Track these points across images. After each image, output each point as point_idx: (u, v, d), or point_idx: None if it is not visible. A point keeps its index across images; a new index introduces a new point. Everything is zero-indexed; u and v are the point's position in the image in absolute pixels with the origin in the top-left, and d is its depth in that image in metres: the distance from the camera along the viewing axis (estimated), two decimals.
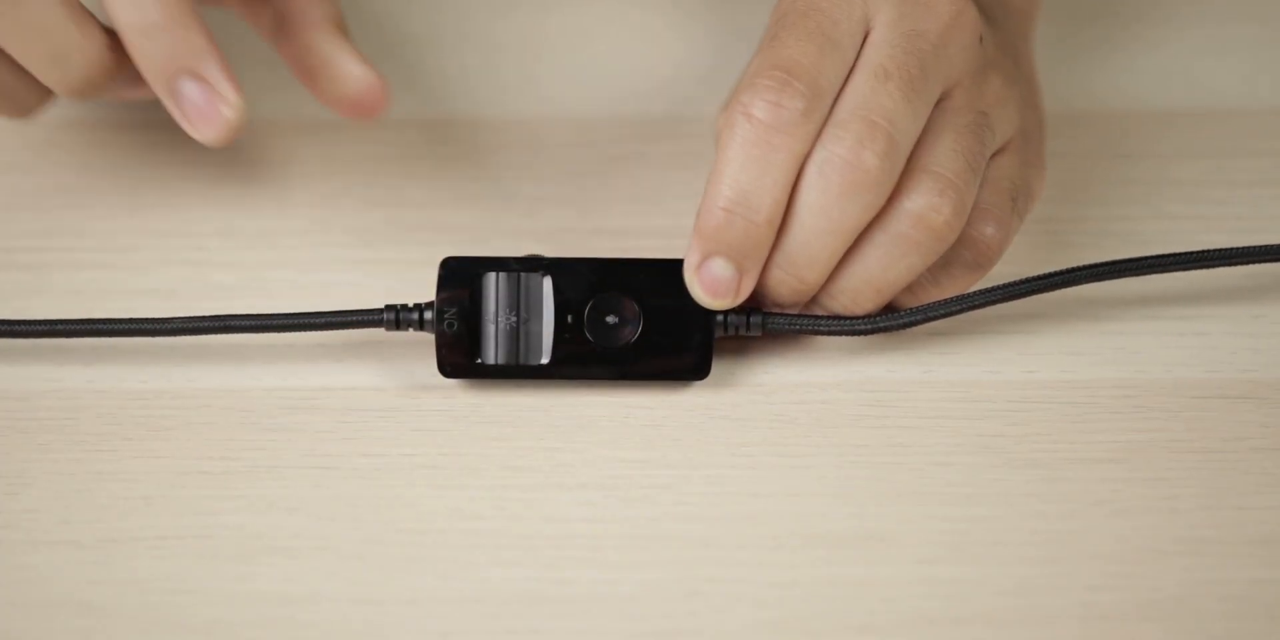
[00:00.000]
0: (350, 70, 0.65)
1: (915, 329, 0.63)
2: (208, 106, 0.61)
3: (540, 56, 0.78)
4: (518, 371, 0.62)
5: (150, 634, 0.56)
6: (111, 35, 0.62)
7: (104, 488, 0.60)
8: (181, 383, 0.64)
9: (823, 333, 0.62)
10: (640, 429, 0.62)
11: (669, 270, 0.62)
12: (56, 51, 0.61)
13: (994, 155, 0.63)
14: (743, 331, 0.62)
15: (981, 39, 0.62)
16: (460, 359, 0.62)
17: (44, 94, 0.65)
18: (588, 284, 0.62)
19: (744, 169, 0.59)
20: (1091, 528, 0.59)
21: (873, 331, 0.62)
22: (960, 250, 0.62)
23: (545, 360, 0.62)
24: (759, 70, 0.59)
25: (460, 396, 0.63)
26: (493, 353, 0.62)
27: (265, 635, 0.56)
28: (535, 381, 0.63)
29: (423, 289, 0.65)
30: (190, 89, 0.60)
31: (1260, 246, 0.64)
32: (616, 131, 0.74)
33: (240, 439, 0.62)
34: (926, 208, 0.60)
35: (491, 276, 0.62)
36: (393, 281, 0.67)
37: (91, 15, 0.62)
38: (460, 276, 0.62)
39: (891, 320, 0.62)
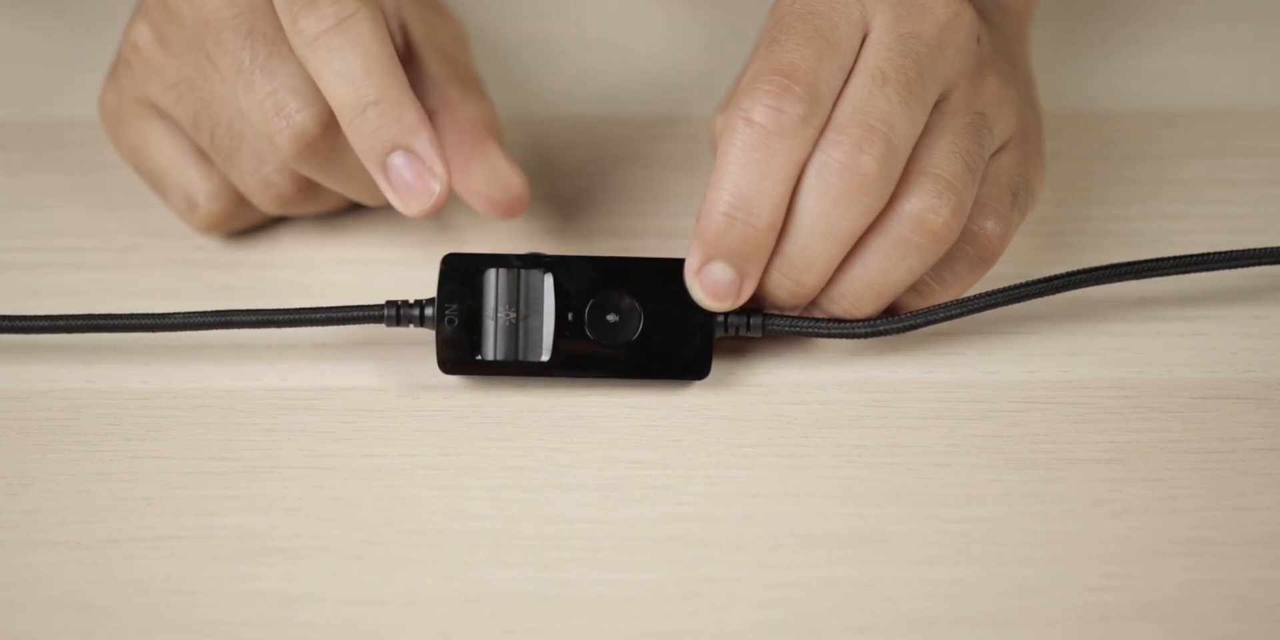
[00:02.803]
0: (496, 169, 0.66)
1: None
2: (416, 181, 0.61)
3: (540, 56, 0.78)
4: (517, 368, 0.62)
5: (150, 634, 0.56)
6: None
7: (104, 488, 0.60)
8: (182, 383, 0.64)
9: (822, 335, 0.62)
10: (640, 429, 0.62)
11: (670, 269, 0.62)
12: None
13: (994, 154, 0.63)
14: (743, 332, 0.62)
15: (978, 40, 0.62)
16: (460, 356, 0.62)
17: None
18: (589, 282, 0.62)
19: (744, 174, 0.59)
20: (1091, 528, 0.59)
21: (872, 335, 0.62)
22: (962, 246, 0.62)
23: (545, 358, 0.62)
24: (758, 74, 0.59)
25: (460, 397, 0.63)
26: (493, 349, 0.62)
27: (265, 635, 0.56)
28: (535, 380, 0.63)
29: (423, 290, 0.65)
30: (400, 163, 0.61)
31: (1260, 249, 0.64)
32: (616, 131, 0.74)
33: (240, 439, 0.62)
34: (925, 210, 0.60)
35: (493, 273, 0.62)
36: (393, 281, 0.67)
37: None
38: (461, 273, 0.62)
39: (891, 324, 0.62)
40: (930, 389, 0.63)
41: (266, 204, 0.66)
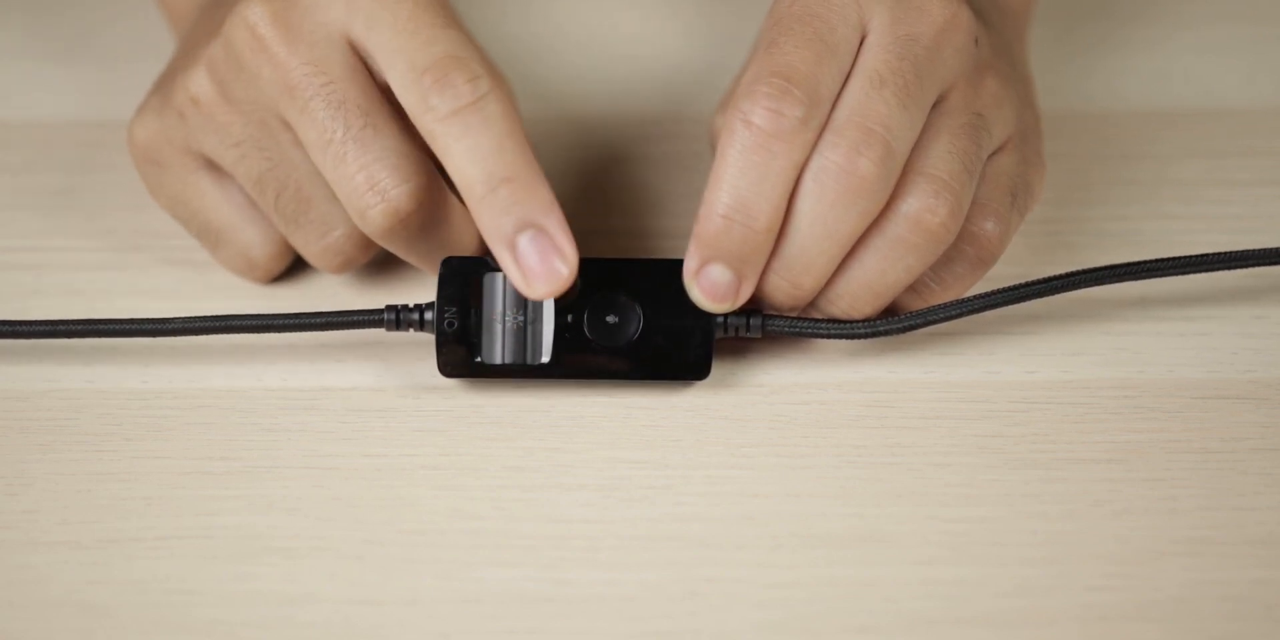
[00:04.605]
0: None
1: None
2: (543, 262, 0.59)
3: (540, 56, 0.78)
4: (518, 371, 0.62)
5: (150, 634, 0.56)
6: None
7: (104, 488, 0.60)
8: (182, 383, 0.64)
9: (822, 336, 0.62)
10: (640, 429, 0.62)
11: (669, 270, 0.62)
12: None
13: (993, 154, 0.63)
14: (742, 333, 0.62)
15: (976, 41, 0.62)
16: (460, 358, 0.62)
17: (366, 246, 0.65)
18: (588, 283, 0.62)
19: (743, 176, 0.59)
20: (1091, 528, 0.59)
21: (871, 335, 0.62)
22: (962, 247, 0.62)
23: (545, 360, 0.62)
24: (757, 77, 0.59)
25: (461, 397, 0.63)
26: (493, 352, 0.62)
27: (265, 635, 0.56)
28: (536, 381, 0.63)
29: (424, 291, 0.65)
30: (528, 244, 0.59)
31: (1258, 250, 0.64)
32: (616, 131, 0.74)
33: (240, 439, 0.62)
34: (922, 210, 0.60)
35: (492, 276, 0.62)
36: (394, 282, 0.67)
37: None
38: (461, 276, 0.62)
39: (890, 324, 0.62)
40: (930, 389, 0.63)
41: (329, 268, 0.65)
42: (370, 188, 0.60)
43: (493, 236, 0.60)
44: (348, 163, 0.60)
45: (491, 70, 0.60)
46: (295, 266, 0.68)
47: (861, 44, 0.61)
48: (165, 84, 0.65)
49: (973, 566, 0.58)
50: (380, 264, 0.68)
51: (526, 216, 0.59)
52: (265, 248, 0.66)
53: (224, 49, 0.62)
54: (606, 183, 0.72)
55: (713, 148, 0.63)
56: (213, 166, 0.65)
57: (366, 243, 0.64)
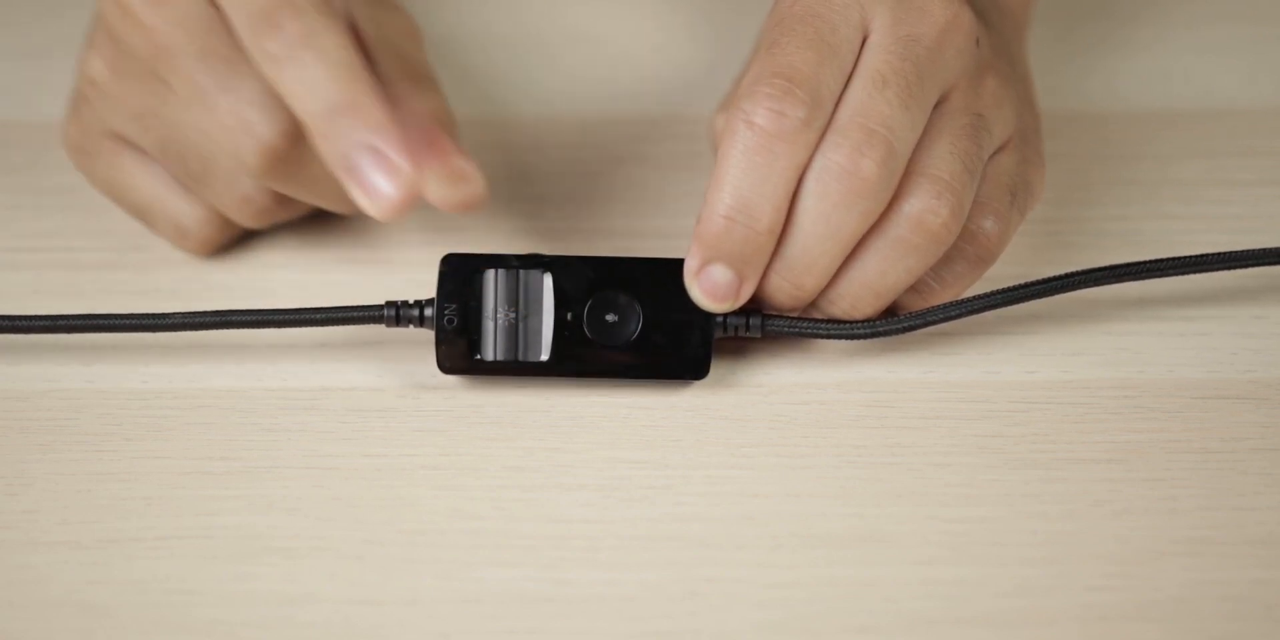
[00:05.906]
0: (450, 163, 0.63)
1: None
2: (382, 182, 0.60)
3: (540, 56, 0.78)
4: (517, 368, 0.62)
5: (150, 634, 0.56)
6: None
7: (104, 488, 0.60)
8: (182, 383, 0.64)
9: (822, 336, 0.62)
10: (640, 429, 0.62)
11: (669, 269, 0.62)
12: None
13: (993, 154, 0.63)
14: (742, 332, 0.62)
15: (977, 41, 0.62)
16: (459, 355, 0.62)
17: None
18: (588, 282, 0.62)
19: (745, 176, 0.59)
20: (1091, 528, 0.59)
21: (871, 336, 0.62)
22: (961, 246, 0.63)
23: (544, 357, 0.62)
24: (759, 77, 0.59)
25: (461, 397, 0.63)
26: (492, 349, 0.62)
27: (265, 635, 0.56)
28: (535, 380, 0.63)
29: (423, 290, 0.65)
30: (365, 163, 0.60)
31: (1258, 250, 0.64)
32: (616, 131, 0.74)
33: (240, 439, 0.62)
34: (924, 211, 0.60)
35: (492, 273, 0.62)
36: (393, 282, 0.67)
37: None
38: (461, 273, 0.62)
39: (889, 325, 0.62)
40: (930, 389, 0.63)
41: (247, 220, 0.66)
42: (242, 129, 0.62)
43: (333, 165, 0.60)
44: (220, 110, 0.62)
45: (324, 9, 0.60)
46: (294, 265, 0.68)
47: (863, 44, 0.61)
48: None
49: (973, 566, 0.58)
50: (381, 261, 0.68)
51: (361, 139, 0.59)
52: (193, 214, 0.67)
53: (101, 26, 0.64)
54: (606, 183, 0.72)
55: (713, 148, 0.63)
56: (131, 145, 0.66)
57: (273, 191, 0.65)
